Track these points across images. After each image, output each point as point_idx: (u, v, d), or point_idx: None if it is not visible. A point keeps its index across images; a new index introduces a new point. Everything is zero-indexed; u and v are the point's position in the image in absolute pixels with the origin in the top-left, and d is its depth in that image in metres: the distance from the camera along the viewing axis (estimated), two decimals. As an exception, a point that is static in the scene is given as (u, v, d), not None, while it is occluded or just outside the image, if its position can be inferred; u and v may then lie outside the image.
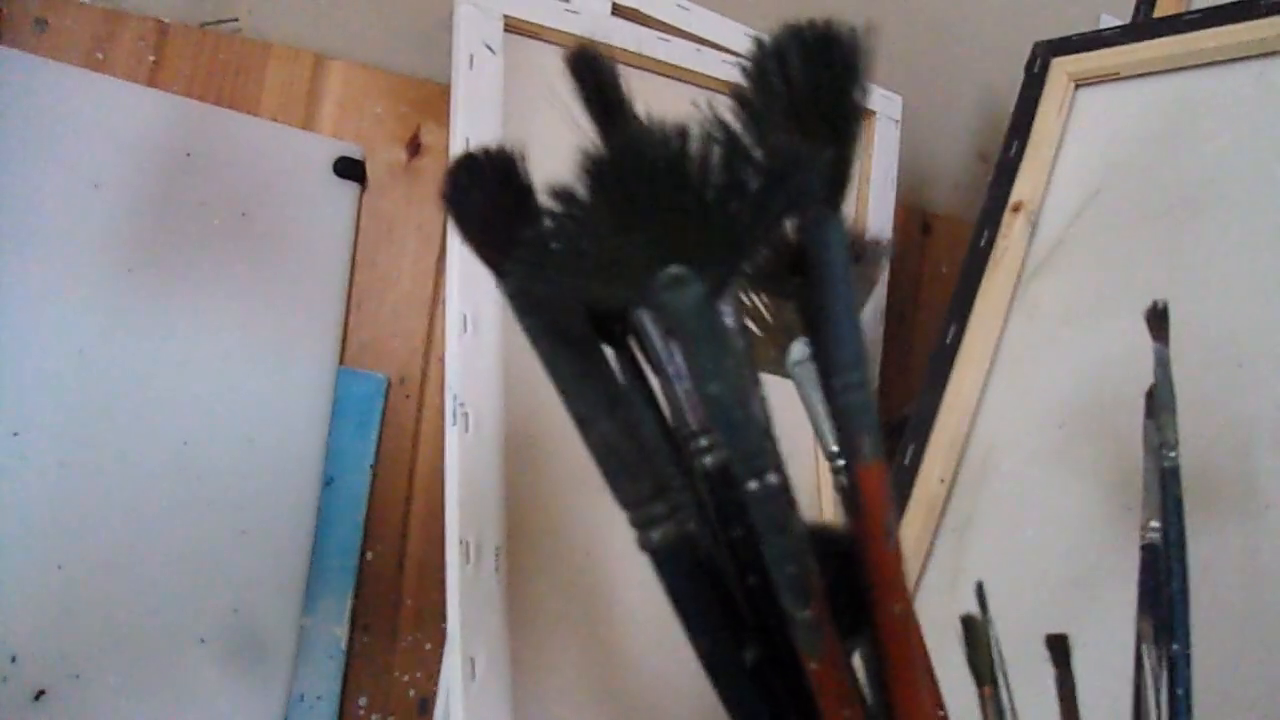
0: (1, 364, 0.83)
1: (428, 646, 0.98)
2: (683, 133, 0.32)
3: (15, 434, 0.83)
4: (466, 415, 0.90)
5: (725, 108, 0.40)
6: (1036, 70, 0.96)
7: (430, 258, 1.01)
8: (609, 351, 0.43)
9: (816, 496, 1.02)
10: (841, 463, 0.52)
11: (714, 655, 0.40)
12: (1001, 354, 0.90)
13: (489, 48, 0.98)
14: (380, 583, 0.97)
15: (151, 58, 0.93)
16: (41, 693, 0.81)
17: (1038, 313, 0.90)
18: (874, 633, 0.38)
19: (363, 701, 0.95)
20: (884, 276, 1.15)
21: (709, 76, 1.10)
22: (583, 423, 0.39)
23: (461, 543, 0.87)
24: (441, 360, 1.00)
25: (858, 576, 0.39)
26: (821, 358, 0.37)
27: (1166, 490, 0.58)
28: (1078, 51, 0.94)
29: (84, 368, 0.85)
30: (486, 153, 0.40)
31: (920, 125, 1.27)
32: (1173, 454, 0.59)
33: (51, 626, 0.82)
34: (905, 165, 1.19)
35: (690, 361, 0.34)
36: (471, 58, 0.97)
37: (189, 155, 0.92)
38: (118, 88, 0.91)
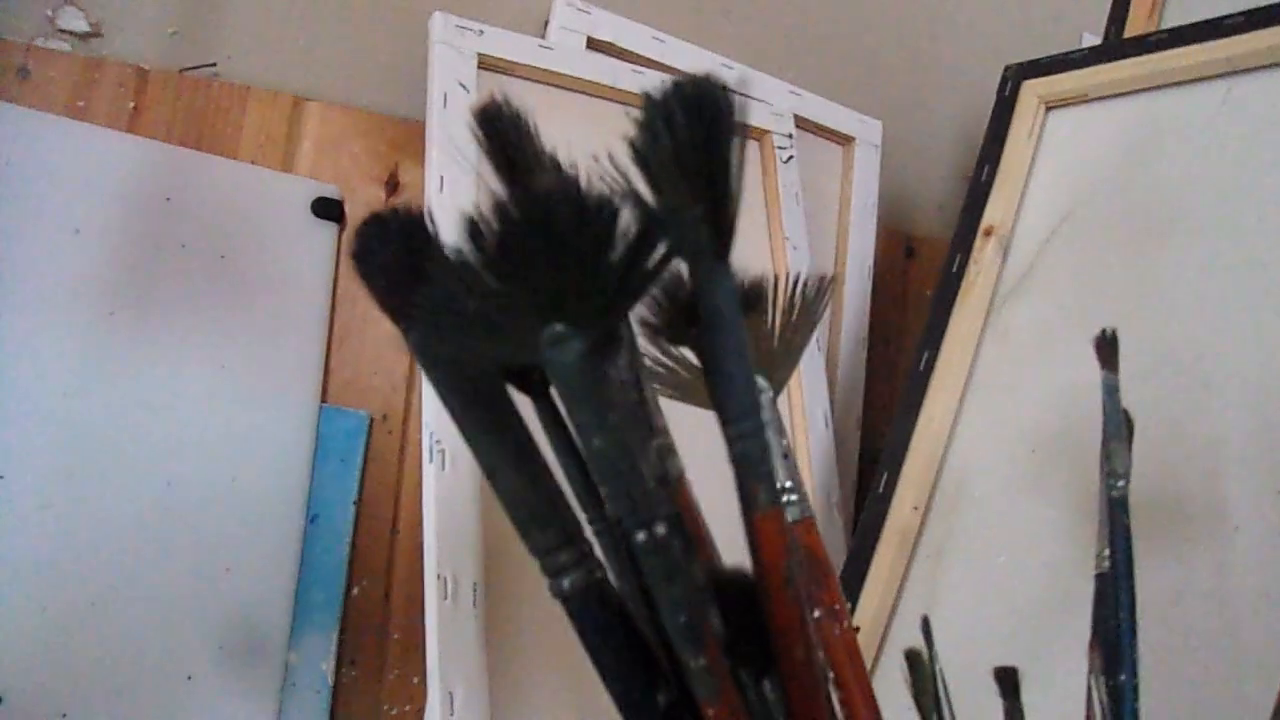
0: (-14, 409, 0.85)
1: (415, 680, 0.99)
2: (559, 192, 0.33)
3: (0, 477, 0.84)
4: (444, 452, 0.91)
5: (623, 159, 0.41)
6: (1007, 94, 0.96)
7: (410, 294, 1.02)
8: (526, 400, 0.43)
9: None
10: (789, 498, 0.53)
11: (627, 699, 0.41)
12: (974, 380, 0.90)
13: (463, 86, 0.99)
14: (367, 617, 0.98)
15: (131, 104, 0.95)
16: (26, 732, 0.82)
17: (1010, 337, 0.90)
18: (779, 677, 0.39)
19: (351, 736, 0.96)
20: (865, 306, 1.15)
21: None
22: (490, 473, 0.40)
23: (439, 578, 0.88)
24: (423, 397, 1.01)
25: (760, 621, 0.39)
26: (716, 406, 0.38)
27: (1114, 520, 0.58)
28: (1048, 74, 0.94)
29: (67, 411, 0.87)
30: (395, 213, 0.42)
31: (902, 149, 1.28)
32: (1120, 483, 0.59)
33: (39, 667, 0.83)
34: (887, 190, 1.20)
35: (574, 416, 0.34)
36: (445, 96, 0.98)
37: (169, 199, 0.93)
38: (98, 135, 0.93)
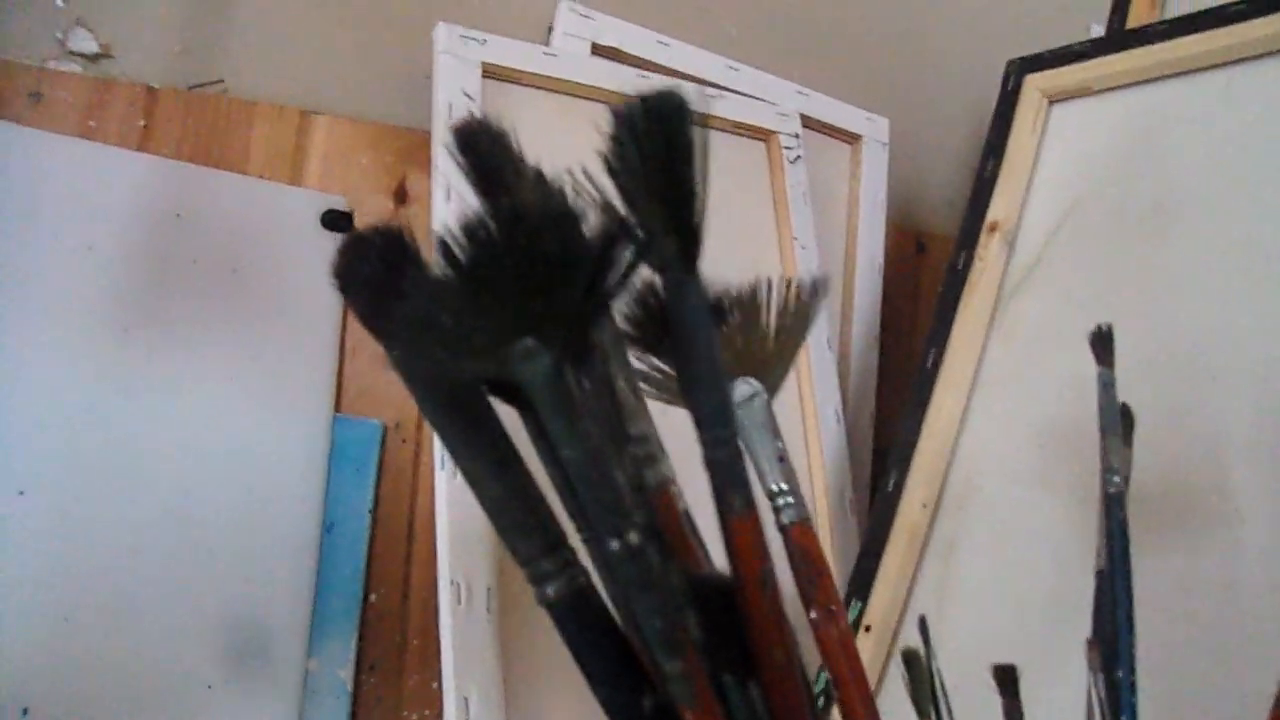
0: (6, 425, 0.86)
1: (434, 685, 1.01)
2: (524, 208, 0.34)
3: (21, 492, 0.86)
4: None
5: (595, 172, 0.42)
6: (1010, 88, 0.97)
7: (422, 303, 1.03)
8: (509, 409, 0.44)
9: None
10: (784, 501, 0.54)
11: (613, 703, 0.42)
12: (981, 376, 0.91)
13: (468, 95, 1.00)
14: (385, 624, 0.99)
15: (141, 122, 0.97)
16: (49, 745, 0.84)
17: (1017, 333, 0.91)
18: (759, 679, 0.40)
19: (371, 742, 0.98)
20: (876, 304, 1.16)
21: (730, 120, 1.12)
22: (474, 484, 0.41)
23: (453, 584, 0.90)
24: (436, 404, 1.02)
25: (737, 623, 0.40)
26: (691, 413, 0.39)
27: (1110, 516, 0.59)
28: (1050, 68, 0.95)
29: (85, 425, 0.88)
30: (377, 231, 0.43)
31: (910, 146, 1.28)
32: (1115, 479, 0.60)
33: (62, 678, 0.85)
34: (896, 187, 1.21)
35: (546, 427, 0.35)
36: (451, 106, 1.00)
37: (179, 216, 0.95)
38: (110, 154, 0.95)
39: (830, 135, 1.22)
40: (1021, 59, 0.98)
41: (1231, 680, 0.71)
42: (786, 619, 0.40)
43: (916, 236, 1.31)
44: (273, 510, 0.95)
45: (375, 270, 0.42)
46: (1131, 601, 0.59)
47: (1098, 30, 1.28)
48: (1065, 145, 0.93)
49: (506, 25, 1.08)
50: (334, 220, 1.00)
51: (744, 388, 0.52)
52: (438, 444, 0.92)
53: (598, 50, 1.10)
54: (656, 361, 0.52)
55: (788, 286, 0.58)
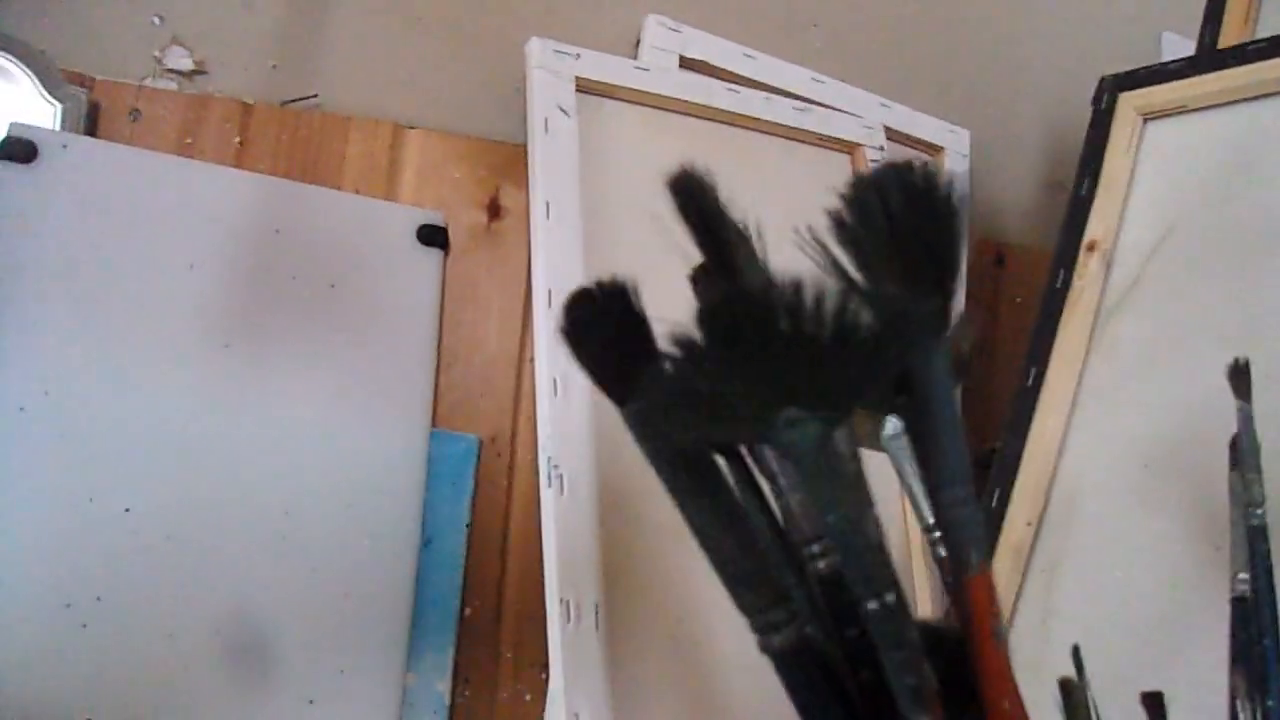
0: (112, 443, 0.88)
1: (528, 698, 1.02)
2: (796, 281, 0.36)
3: (127, 510, 0.88)
4: (561, 477, 0.94)
5: (826, 232, 0.43)
6: (1104, 106, 0.98)
7: (515, 317, 1.05)
8: (721, 461, 0.46)
9: (906, 555, 1.05)
10: (938, 534, 0.55)
11: (834, 748, 0.43)
12: (1083, 394, 0.92)
13: (563, 110, 1.02)
14: (479, 637, 1.01)
15: (237, 139, 0.98)
16: (165, 758, 0.86)
17: (1117, 352, 0.92)
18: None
19: (468, 753, 1.00)
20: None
21: (778, 124, 1.13)
22: (704, 538, 0.43)
23: (562, 601, 0.91)
24: (531, 418, 1.04)
25: (966, 673, 0.42)
26: (929, 472, 0.41)
27: (1254, 548, 0.61)
28: (1143, 85, 0.96)
29: (188, 443, 0.90)
30: (600, 286, 0.44)
31: (988, 158, 1.30)
32: (1259, 511, 0.62)
33: (166, 694, 0.87)
34: (975, 198, 1.22)
35: (809, 494, 0.37)
36: (546, 121, 1.01)
37: (278, 231, 0.97)
38: (207, 171, 0.96)
39: (912, 146, 1.23)
40: (1115, 76, 0.99)
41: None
42: (1012, 671, 0.42)
43: (997, 248, 1.32)
44: (371, 525, 0.96)
45: (605, 326, 0.43)
46: (1279, 631, 0.61)
47: (1170, 38, 1.30)
48: (1161, 164, 0.95)
49: (594, 39, 1.09)
50: (430, 235, 1.01)
51: (893, 424, 0.54)
52: (544, 462, 0.94)
53: (685, 63, 1.12)
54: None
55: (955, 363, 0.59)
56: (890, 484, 0.55)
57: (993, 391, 1.25)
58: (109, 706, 0.84)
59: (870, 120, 1.18)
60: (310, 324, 0.97)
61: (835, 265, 0.40)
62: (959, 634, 0.43)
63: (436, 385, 1.02)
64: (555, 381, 0.96)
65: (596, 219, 1.02)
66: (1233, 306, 0.87)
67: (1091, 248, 0.94)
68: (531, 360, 1.05)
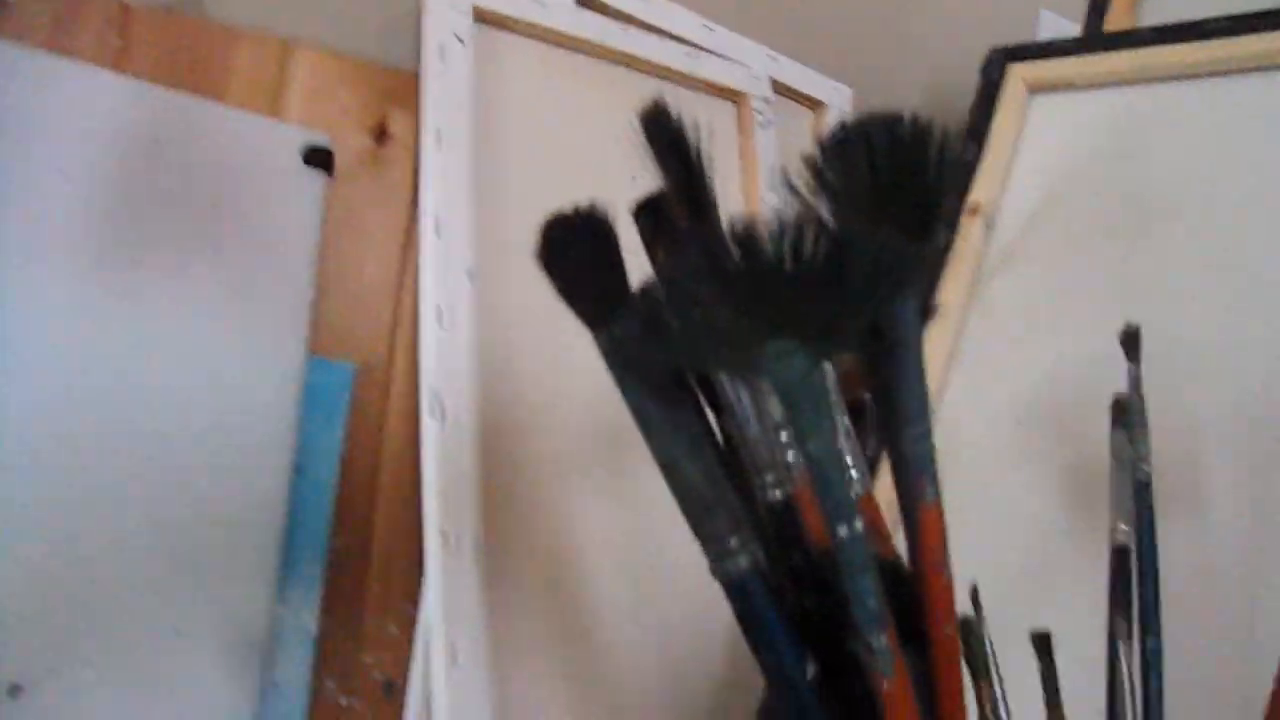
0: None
1: (394, 630, 1.02)
2: (797, 225, 0.37)
3: (-12, 430, 0.84)
4: (443, 407, 0.93)
5: (800, 177, 0.44)
6: (993, 75, 1.02)
7: (395, 245, 1.04)
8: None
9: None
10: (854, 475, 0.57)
11: (780, 670, 0.45)
12: (960, 353, 0.96)
13: (459, 38, 1.00)
14: (347, 568, 1.00)
15: (117, 41, 0.94)
16: (18, 688, 0.82)
17: (994, 312, 0.96)
18: (928, 651, 0.44)
19: (330, 685, 0.99)
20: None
21: (670, 69, 1.14)
22: (669, 466, 0.44)
23: (441, 533, 0.91)
24: (408, 348, 1.03)
25: (910, 602, 0.44)
26: (894, 410, 0.43)
27: (1140, 500, 0.65)
28: (1033, 59, 1.00)
29: (56, 362, 0.86)
30: (578, 212, 0.45)
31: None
32: (1146, 467, 0.66)
33: (27, 622, 0.83)
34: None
35: (793, 422, 0.38)
36: (441, 48, 1.00)
37: (157, 142, 0.93)
38: (84, 72, 0.91)
39: (796, 100, 1.26)
40: (1005, 48, 1.03)
41: (1199, 658, 0.76)
42: (954, 598, 0.44)
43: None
44: (244, 452, 0.94)
45: (581, 252, 0.44)
46: (1159, 578, 0.65)
47: (1048, 16, 1.35)
48: (1046, 136, 0.99)
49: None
50: (315, 157, 0.99)
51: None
52: (426, 392, 0.93)
53: (583, 3, 1.11)
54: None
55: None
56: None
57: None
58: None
59: (758, 71, 1.20)
60: (188, 241, 0.93)
61: (815, 209, 0.41)
62: (894, 564, 0.45)
63: (314, 311, 1.00)
64: (440, 310, 0.95)
65: (487, 151, 1.01)
66: (1105, 277, 0.92)
67: (974, 211, 0.98)
68: (409, 290, 1.04)
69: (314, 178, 0.99)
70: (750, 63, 1.19)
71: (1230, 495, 0.80)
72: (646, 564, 1.04)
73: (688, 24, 1.16)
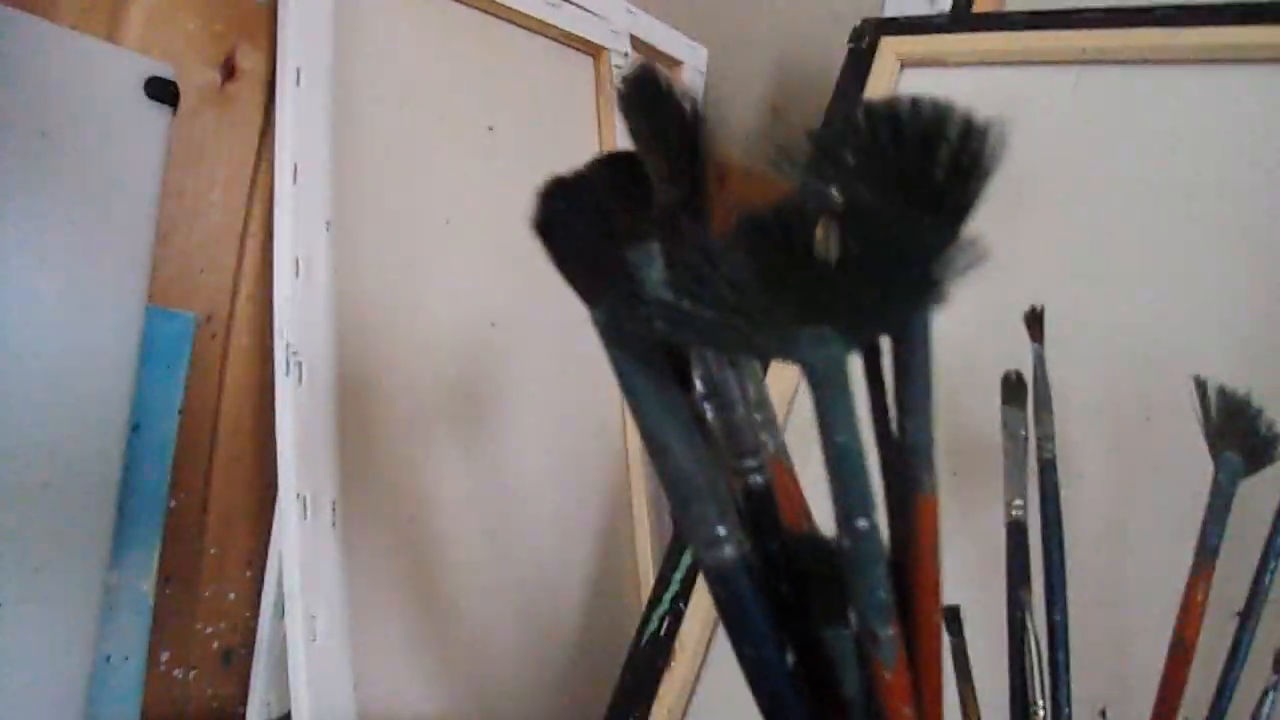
0: None
1: (231, 596, 0.97)
2: (840, 206, 0.35)
3: None
4: (300, 365, 0.88)
5: (801, 151, 0.43)
6: (864, 47, 1.02)
7: (241, 189, 0.97)
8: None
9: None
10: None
11: (759, 662, 0.44)
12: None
13: (320, -30, 0.94)
14: (183, 532, 0.94)
15: (-68, -55, 0.84)
16: None
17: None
18: (914, 637, 0.44)
19: (165, 656, 0.93)
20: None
21: (531, 17, 1.10)
22: (661, 451, 0.42)
23: (298, 497, 0.86)
24: (251, 298, 0.97)
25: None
26: (899, 397, 0.42)
27: (1046, 478, 0.67)
28: (906, 34, 1.01)
29: None
30: (579, 177, 0.42)
31: (723, 78, 1.32)
32: (1050, 445, 0.68)
33: None
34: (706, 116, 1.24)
35: (821, 412, 0.37)
36: (303, -21, 0.93)
37: (-20, 62, 0.84)
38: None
39: (652, 56, 1.24)
40: (877, 20, 1.03)
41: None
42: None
43: (718, 169, 1.34)
44: (77, 407, 0.86)
45: (581, 221, 0.41)
46: (1064, 552, 0.67)
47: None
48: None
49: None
50: (159, 89, 0.91)
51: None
52: (281, 348, 0.88)
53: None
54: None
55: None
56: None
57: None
58: None
59: (617, 25, 1.17)
60: (15, 176, 0.85)
61: (894, 216, 0.39)
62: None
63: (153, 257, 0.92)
64: (298, 262, 0.90)
65: (343, 93, 0.96)
66: (977, 254, 0.94)
67: (846, 181, 0.98)
68: (254, 237, 0.97)
69: (157, 111, 0.92)
70: (610, 16, 1.16)
71: (1093, 464, 0.84)
72: (502, 524, 1.02)
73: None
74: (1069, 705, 0.64)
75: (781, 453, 0.49)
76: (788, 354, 0.37)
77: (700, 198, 0.45)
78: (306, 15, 0.93)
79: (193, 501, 0.95)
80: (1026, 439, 0.71)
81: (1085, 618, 0.74)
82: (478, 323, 1.03)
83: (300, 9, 0.93)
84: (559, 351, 1.09)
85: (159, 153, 0.92)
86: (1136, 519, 0.82)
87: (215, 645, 0.96)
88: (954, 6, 1.09)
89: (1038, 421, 0.69)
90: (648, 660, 0.91)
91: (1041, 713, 0.64)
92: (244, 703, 0.95)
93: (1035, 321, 0.70)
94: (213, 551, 0.96)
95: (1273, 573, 0.64)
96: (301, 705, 0.83)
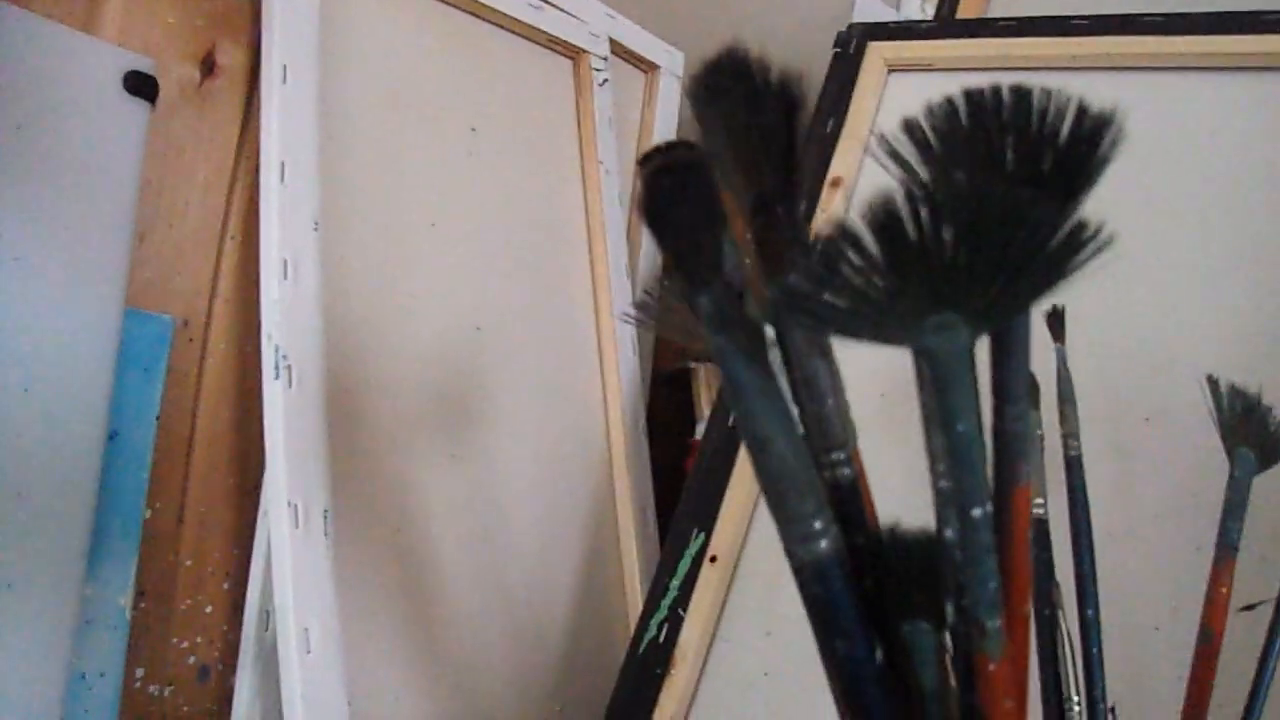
0: None
1: (208, 609, 0.93)
2: (980, 191, 0.34)
3: None
4: (290, 369, 0.85)
5: (901, 139, 0.42)
6: (851, 52, 1.02)
7: (220, 189, 0.94)
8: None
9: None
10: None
11: (850, 660, 0.43)
12: (825, 326, 0.96)
13: (305, -36, 0.92)
14: (159, 543, 0.91)
15: (-97, -69, 0.80)
16: None
17: (855, 287, 0.97)
18: (1011, 628, 0.43)
19: (140, 673, 0.89)
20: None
21: (514, 19, 1.08)
22: (763, 443, 0.41)
23: (290, 505, 0.83)
24: (230, 300, 0.94)
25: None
26: (998, 387, 0.41)
27: (1073, 476, 0.67)
28: (893, 39, 1.01)
29: None
30: (681, 160, 0.40)
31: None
32: (1075, 443, 0.67)
33: None
34: (684, 118, 1.24)
35: (945, 400, 0.36)
36: (288, -28, 0.91)
37: (-49, 51, 0.80)
38: None
39: (630, 61, 1.22)
40: (864, 25, 1.03)
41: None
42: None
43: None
44: (53, 414, 0.83)
45: (691, 205, 0.39)
46: (1094, 550, 0.67)
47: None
48: (902, 113, 0.99)
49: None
50: (138, 83, 0.88)
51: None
52: (270, 351, 0.85)
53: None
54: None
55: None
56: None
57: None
58: None
59: (597, 28, 1.16)
60: (-11, 170, 0.81)
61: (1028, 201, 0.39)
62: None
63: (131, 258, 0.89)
64: (286, 263, 0.87)
65: (331, 91, 0.93)
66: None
67: (836, 184, 0.98)
68: (234, 238, 0.94)
69: (136, 106, 0.88)
70: (590, 19, 1.15)
71: (1100, 471, 0.84)
72: (490, 531, 0.99)
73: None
74: (1104, 700, 0.64)
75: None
76: (913, 341, 0.36)
77: (794, 186, 0.44)
78: (292, 11, 0.90)
79: (168, 511, 0.91)
80: (1043, 438, 0.71)
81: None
82: (464, 327, 1.01)
83: (285, 6, 0.90)
84: (544, 356, 1.08)
85: (137, 149, 0.88)
86: (1137, 518, 0.83)
87: (191, 660, 0.92)
88: (939, 11, 1.09)
89: (1063, 419, 0.68)
90: (647, 668, 0.89)
91: (1077, 708, 0.63)
92: (223, 718, 0.91)
93: (1057, 321, 0.70)
94: (189, 563, 0.93)
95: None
96: (296, 719, 0.80)
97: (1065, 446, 0.68)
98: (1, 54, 0.82)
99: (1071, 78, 0.95)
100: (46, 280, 0.82)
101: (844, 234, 0.36)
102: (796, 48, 1.21)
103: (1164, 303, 0.88)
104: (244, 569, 0.93)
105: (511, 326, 1.04)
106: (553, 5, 1.11)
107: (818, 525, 0.41)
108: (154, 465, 0.90)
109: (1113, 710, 0.79)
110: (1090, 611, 0.65)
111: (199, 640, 0.93)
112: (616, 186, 1.14)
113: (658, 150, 0.45)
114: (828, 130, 1.00)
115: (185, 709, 0.92)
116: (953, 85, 0.97)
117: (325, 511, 0.85)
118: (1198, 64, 0.92)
